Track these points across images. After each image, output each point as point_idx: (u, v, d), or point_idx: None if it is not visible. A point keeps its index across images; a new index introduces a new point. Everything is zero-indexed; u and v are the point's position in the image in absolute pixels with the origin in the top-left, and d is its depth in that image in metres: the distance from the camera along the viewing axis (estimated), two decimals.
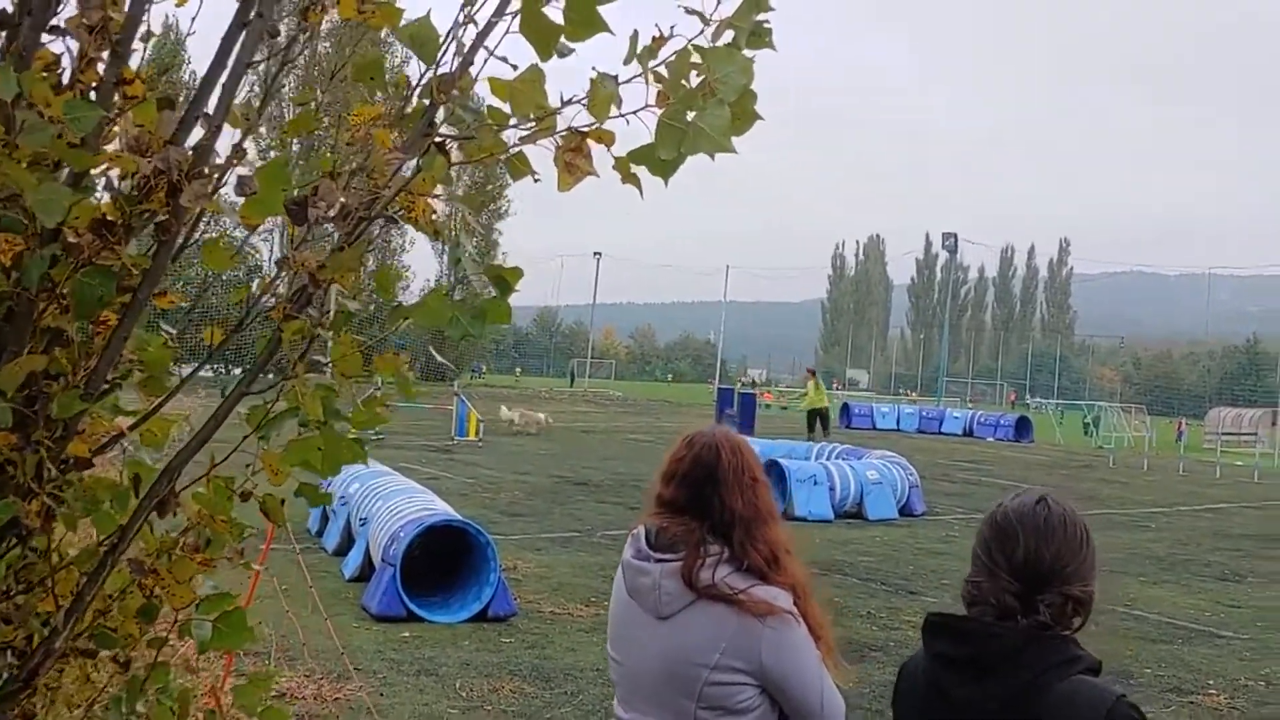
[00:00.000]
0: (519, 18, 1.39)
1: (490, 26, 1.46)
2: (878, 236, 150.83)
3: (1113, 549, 14.01)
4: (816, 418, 28.86)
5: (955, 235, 52.88)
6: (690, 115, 1.47)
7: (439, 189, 1.51)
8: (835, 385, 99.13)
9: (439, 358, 21.15)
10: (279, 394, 1.58)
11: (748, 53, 1.64)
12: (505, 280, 1.47)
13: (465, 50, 1.46)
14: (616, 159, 1.46)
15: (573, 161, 1.41)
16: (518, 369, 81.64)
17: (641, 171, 1.49)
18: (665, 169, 1.48)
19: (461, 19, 1.44)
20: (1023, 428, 38.98)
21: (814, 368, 37.99)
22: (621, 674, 2.52)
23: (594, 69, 1.46)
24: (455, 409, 23.58)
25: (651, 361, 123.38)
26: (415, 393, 1.59)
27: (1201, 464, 30.90)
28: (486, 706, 6.51)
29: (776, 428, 31.90)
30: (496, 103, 1.47)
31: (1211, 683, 7.91)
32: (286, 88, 45.19)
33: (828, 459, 17.26)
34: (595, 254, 70.70)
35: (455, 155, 1.48)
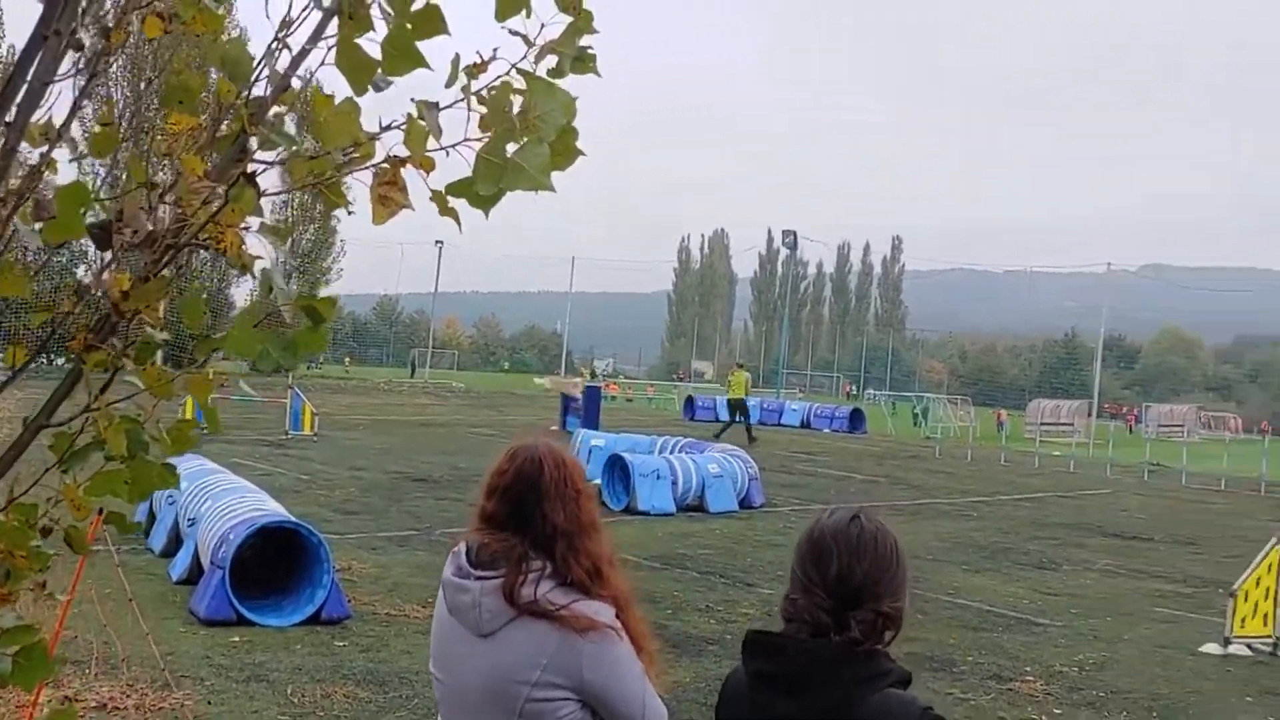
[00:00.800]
0: (334, 49, 1.37)
1: (305, 52, 1.43)
2: (722, 230, 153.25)
3: (938, 538, 14.59)
4: (736, 409, 30.30)
5: (795, 232, 54.07)
6: (510, 150, 1.47)
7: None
8: (680, 376, 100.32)
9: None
10: (83, 425, 1.52)
11: (570, 80, 1.65)
12: (318, 311, 1.44)
13: (279, 76, 1.42)
14: (434, 192, 1.44)
15: (387, 195, 1.39)
16: (347, 358, 79.37)
17: (462, 204, 1.48)
18: (485, 203, 1.47)
19: (275, 45, 1.41)
20: (856, 419, 40.19)
21: (741, 361, 38.85)
22: (444, 692, 2.51)
23: (412, 99, 1.44)
24: (289, 402, 22.97)
25: (496, 352, 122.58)
26: (223, 429, 1.55)
27: (1022, 454, 32.37)
28: (319, 713, 6.38)
29: (622, 420, 32.13)
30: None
31: (1028, 669, 8.30)
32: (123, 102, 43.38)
33: (670, 453, 17.47)
34: (437, 242, 69.72)
35: (279, 183, 1.44)
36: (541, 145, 1.48)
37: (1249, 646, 9.17)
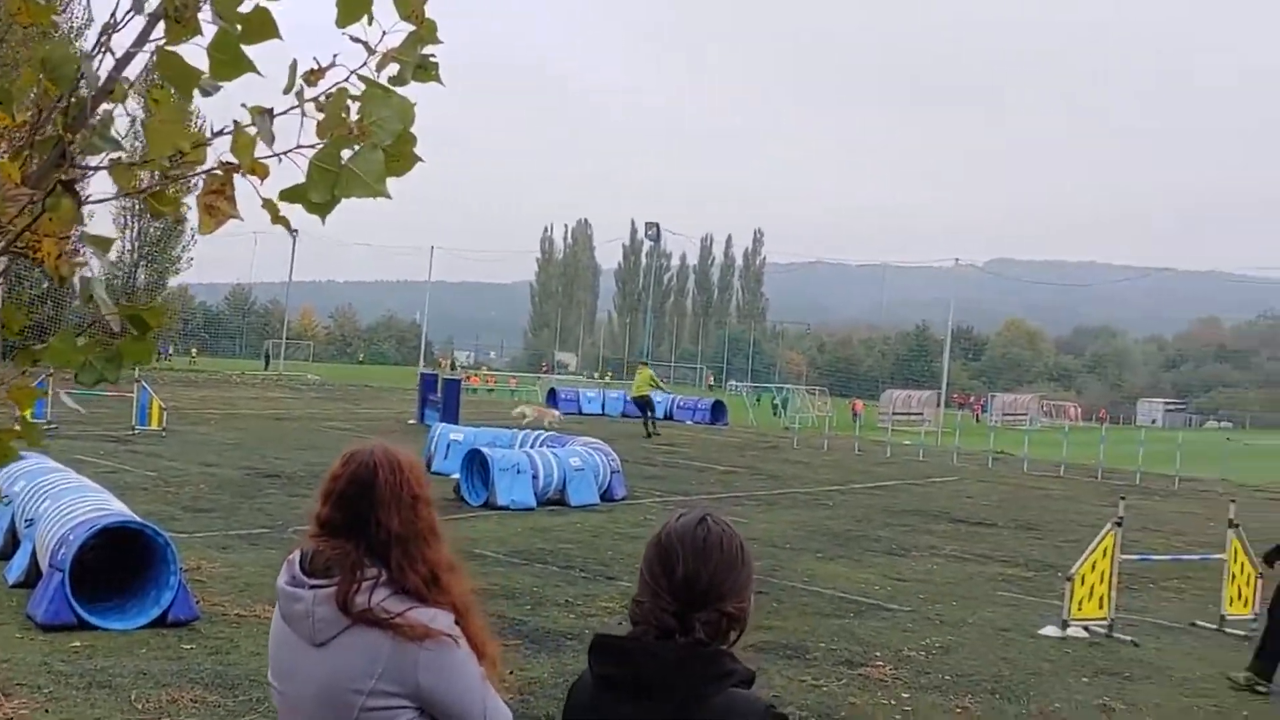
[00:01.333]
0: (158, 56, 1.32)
1: (130, 56, 1.38)
2: (585, 221, 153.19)
3: (794, 527, 14.90)
4: (643, 406, 31.09)
5: (658, 225, 54.46)
6: (345, 156, 1.44)
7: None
8: (544, 368, 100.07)
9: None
10: None
11: (412, 88, 1.63)
12: (144, 320, 1.40)
13: (102, 80, 1.37)
14: (265, 200, 1.41)
15: (214, 204, 1.36)
16: (193, 349, 76.36)
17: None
18: (320, 210, 1.44)
19: (98, 48, 1.36)
20: (718, 411, 40.70)
21: (645, 360, 38.96)
22: (281, 702, 2.47)
23: (243, 104, 1.40)
24: (136, 395, 22.13)
25: (353, 343, 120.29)
26: (44, 443, 1.49)
27: (875, 443, 33.26)
28: (165, 718, 6.18)
29: (483, 414, 31.88)
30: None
31: (878, 654, 8.54)
32: None
33: (531, 447, 17.42)
34: (292, 230, 67.91)
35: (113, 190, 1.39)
36: (376, 152, 1.46)
37: (1085, 628, 9.61)
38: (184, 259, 55.21)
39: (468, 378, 50.37)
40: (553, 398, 42.03)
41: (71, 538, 7.77)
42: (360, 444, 2.49)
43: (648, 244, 63.10)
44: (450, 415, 25.15)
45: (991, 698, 7.65)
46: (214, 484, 15.09)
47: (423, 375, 33.17)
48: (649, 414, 30.97)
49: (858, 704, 7.27)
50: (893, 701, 7.39)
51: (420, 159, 1.53)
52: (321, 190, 1.41)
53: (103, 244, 1.37)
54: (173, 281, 57.41)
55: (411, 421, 29.06)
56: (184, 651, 7.40)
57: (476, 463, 15.19)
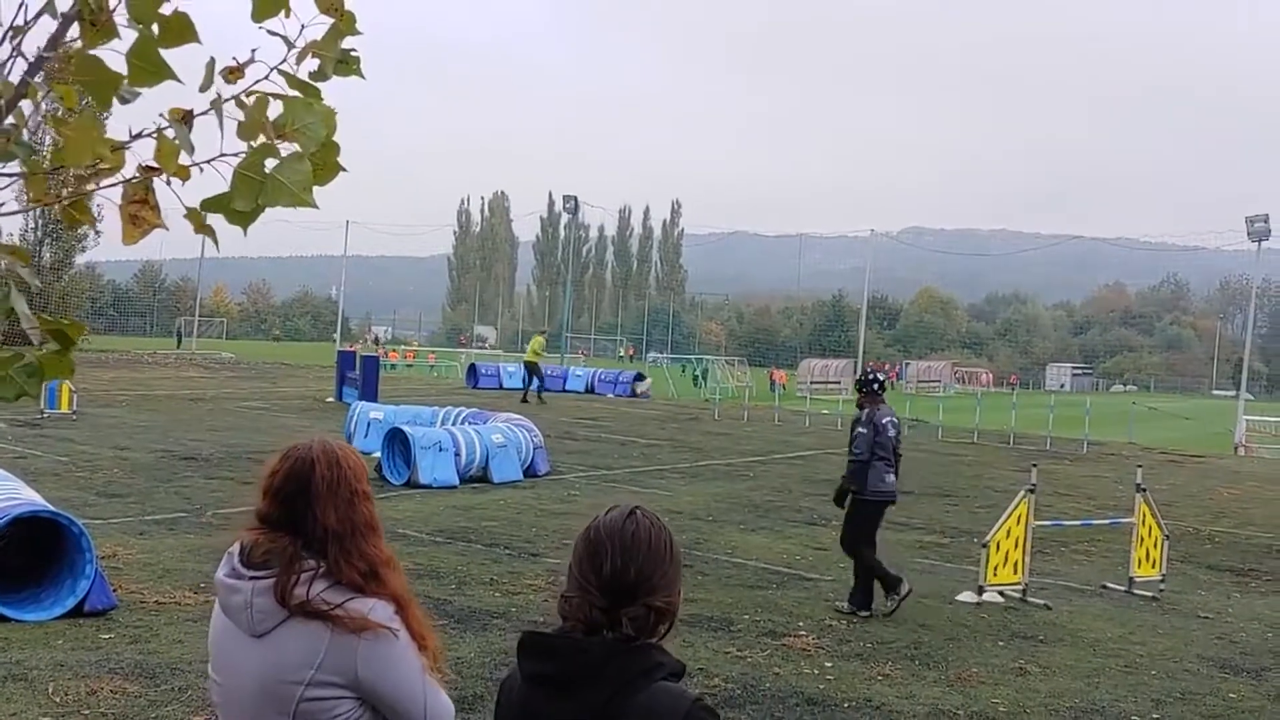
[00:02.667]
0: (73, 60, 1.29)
1: (41, 61, 1.34)
2: (502, 193, 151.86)
3: (716, 499, 15.04)
4: (530, 371, 32.18)
5: (576, 197, 54.18)
6: (269, 165, 1.42)
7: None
8: (462, 341, 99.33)
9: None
10: None
11: (333, 81, 1.61)
12: (65, 333, 1.37)
13: (10, 87, 1.33)
14: (189, 209, 1.39)
15: (138, 214, 1.33)
16: (87, 328, 74.33)
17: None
18: (243, 219, 1.42)
19: (11, 53, 1.31)
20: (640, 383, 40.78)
21: (545, 329, 39.94)
22: (220, 694, 2.48)
23: (161, 115, 1.37)
24: None
25: (267, 320, 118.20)
26: None
27: (794, 413, 33.63)
28: (84, 711, 6.06)
29: (402, 391, 31.59)
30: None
31: (801, 624, 8.68)
32: None
33: (453, 424, 17.30)
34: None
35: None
36: (302, 160, 1.44)
37: (1000, 594, 9.86)
38: (90, 236, 53.64)
39: (386, 354, 49.81)
40: (473, 374, 41.76)
41: None
42: (301, 440, 2.52)
43: (566, 216, 62.74)
44: (369, 393, 24.87)
45: (911, 664, 7.82)
46: (128, 468, 14.77)
47: (340, 353, 32.68)
48: (535, 380, 31.93)
49: (781, 674, 7.39)
50: (816, 671, 7.52)
51: (343, 168, 1.51)
52: (246, 199, 1.39)
53: (21, 255, 1.33)
54: (80, 259, 55.76)
55: (330, 400, 28.68)
56: (102, 641, 7.26)
57: (398, 441, 15.06)
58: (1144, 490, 10.82)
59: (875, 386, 9.90)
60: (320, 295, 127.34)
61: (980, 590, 9.80)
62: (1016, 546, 9.96)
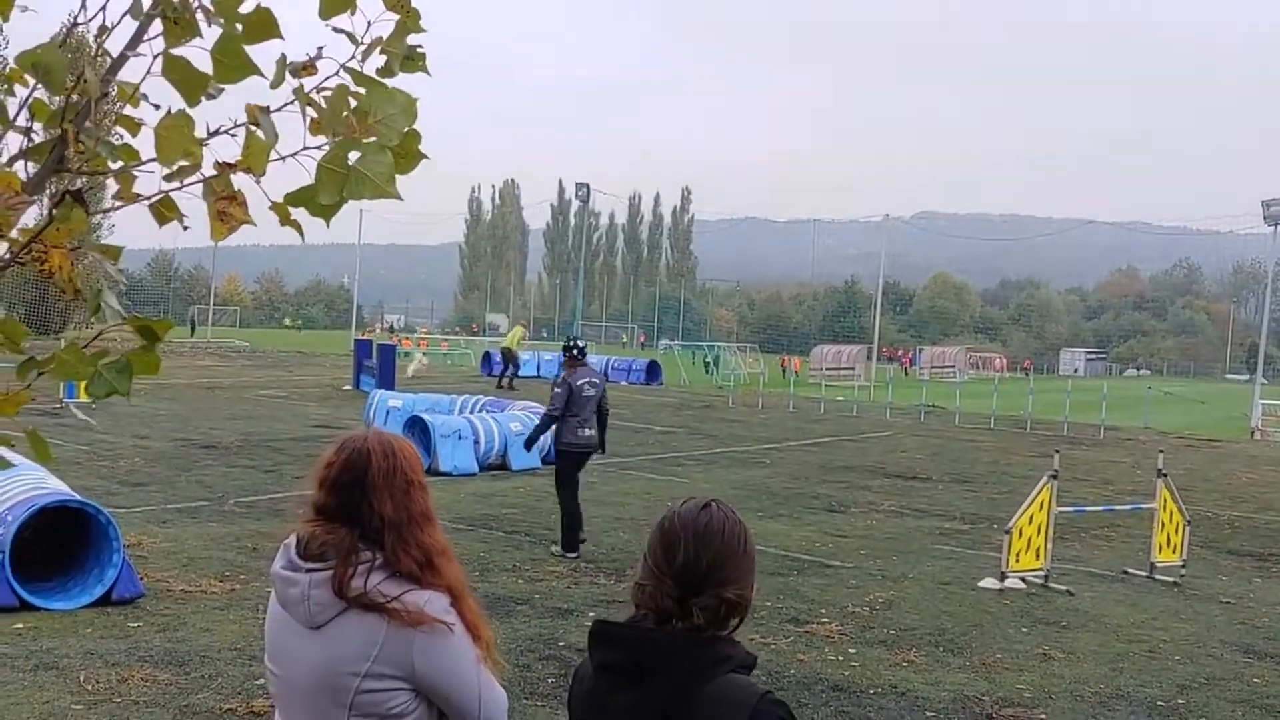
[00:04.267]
0: (161, 59, 1.30)
1: (123, 59, 1.35)
2: (513, 181, 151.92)
3: (733, 486, 15.05)
4: (506, 359, 32.55)
5: (588, 185, 54.21)
6: (352, 158, 1.43)
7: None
8: (474, 329, 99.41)
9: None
10: None
11: (403, 79, 1.61)
12: (153, 330, 1.38)
13: (98, 82, 1.34)
14: (274, 203, 1.40)
15: (226, 210, 1.34)
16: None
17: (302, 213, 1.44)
18: (327, 213, 1.43)
19: (93, 49, 1.33)
20: (653, 371, 40.77)
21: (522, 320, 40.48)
22: (278, 686, 2.50)
23: (245, 106, 1.38)
24: None
25: (280, 308, 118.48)
26: (52, 457, 1.47)
27: (808, 399, 33.62)
28: (115, 699, 6.11)
29: (419, 381, 31.65)
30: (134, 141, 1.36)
31: (823, 611, 8.69)
32: None
33: (471, 412, 17.34)
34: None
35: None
36: (384, 153, 1.45)
37: (1022, 579, 9.86)
38: (104, 225, 53.75)
39: (400, 341, 49.86)
40: (487, 361, 41.80)
41: (10, 518, 7.61)
42: (355, 432, 2.53)
43: (577, 204, 62.63)
44: (386, 381, 24.92)
45: (935, 650, 7.84)
46: (149, 457, 14.84)
47: (357, 341, 32.75)
48: (510, 368, 32.33)
49: (805, 660, 7.41)
50: (840, 657, 7.54)
51: (426, 156, 1.52)
52: (330, 193, 1.40)
53: (111, 253, 1.35)
54: None
55: (347, 388, 28.76)
56: (131, 630, 7.31)
57: (417, 429, 15.11)
58: (1165, 475, 10.80)
59: (575, 352, 11.02)
60: (333, 284, 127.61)
61: (1003, 576, 9.80)
62: (1039, 533, 9.96)
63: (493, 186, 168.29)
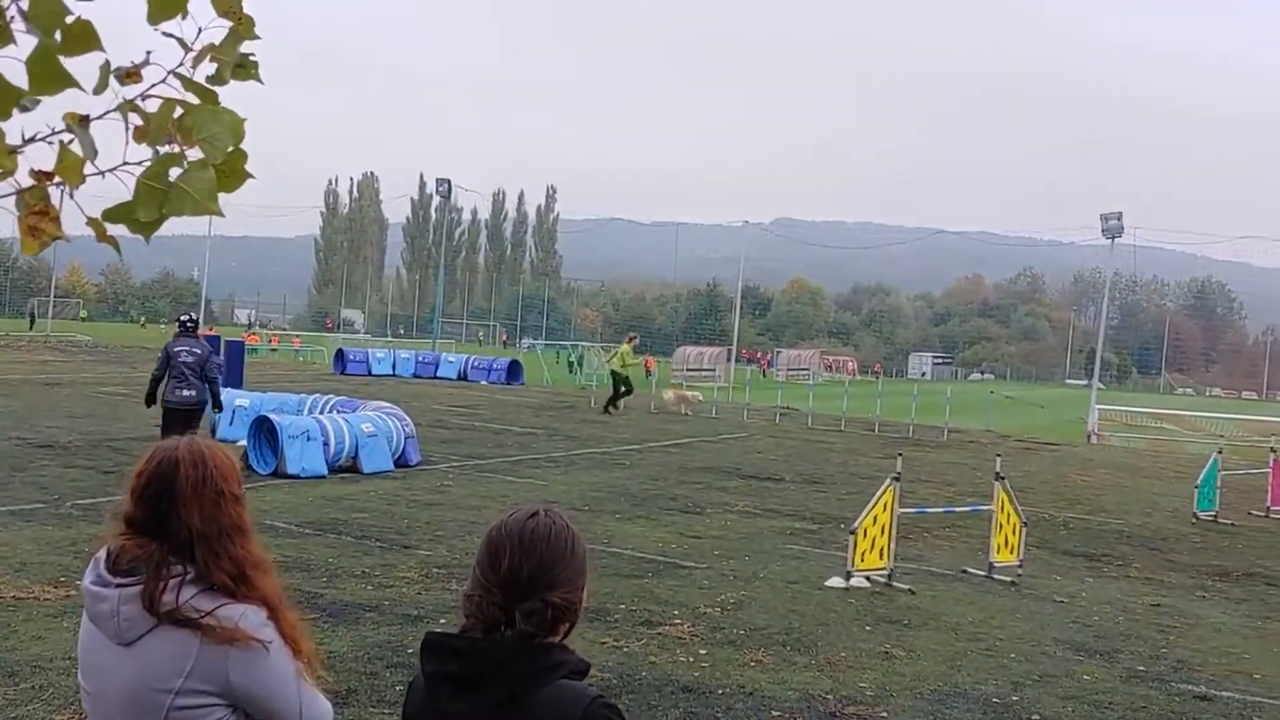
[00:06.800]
0: None
1: None
2: (372, 174, 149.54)
3: (592, 488, 15.10)
4: (619, 382, 29.29)
5: (449, 180, 53.47)
6: (174, 174, 1.41)
7: None
8: (329, 325, 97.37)
9: None
10: None
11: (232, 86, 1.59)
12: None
13: None
14: (90, 219, 1.36)
15: (38, 225, 1.30)
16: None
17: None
18: (146, 229, 1.40)
19: None
20: (514, 371, 40.58)
21: (632, 335, 36.39)
22: (90, 703, 2.44)
23: (46, 124, 1.34)
24: None
25: (126, 301, 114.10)
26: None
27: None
28: None
29: (268, 378, 30.87)
30: None
31: (676, 613, 8.79)
32: None
33: (321, 412, 16.99)
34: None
35: None
36: (207, 169, 1.43)
37: (867, 579, 10.15)
38: None
39: (247, 337, 48.53)
40: (340, 359, 41.02)
41: None
42: (169, 440, 2.47)
43: (438, 199, 61.79)
44: (234, 379, 24.21)
45: (783, 650, 8.00)
46: None
47: (205, 337, 31.71)
48: (621, 389, 29.33)
49: (657, 663, 7.48)
50: (690, 659, 7.64)
51: (251, 175, 1.50)
52: (149, 209, 1.37)
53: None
54: None
55: None
56: None
57: (264, 430, 14.73)
58: (1003, 479, 11.25)
59: (180, 327, 13.50)
60: (181, 276, 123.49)
61: (848, 576, 10.07)
62: (883, 533, 10.26)
63: (351, 179, 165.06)
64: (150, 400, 13.25)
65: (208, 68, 1.55)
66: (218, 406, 13.71)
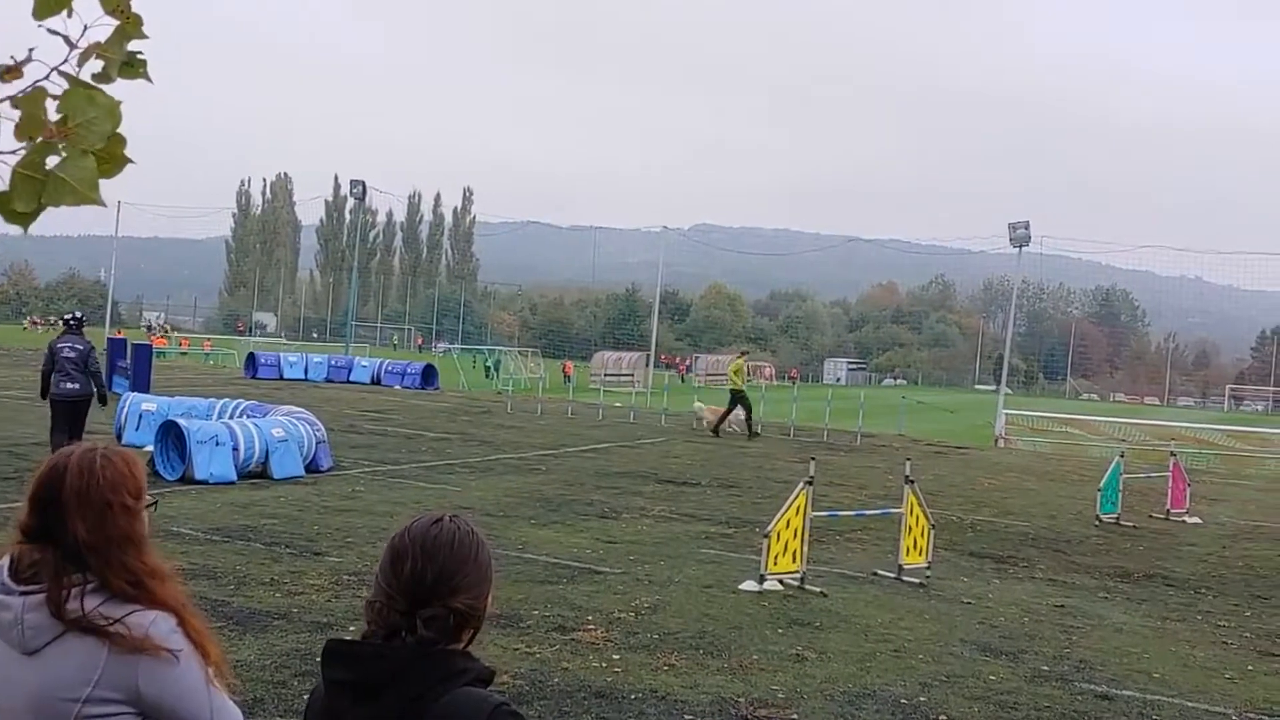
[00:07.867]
0: None
1: None
2: (285, 175, 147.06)
3: (507, 493, 15.01)
4: (743, 402, 27.66)
5: (364, 182, 52.95)
6: (51, 163, 1.35)
7: None
8: (240, 328, 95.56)
9: None
10: None
11: (120, 85, 1.54)
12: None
13: None
14: None
15: None
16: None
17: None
18: (23, 220, 1.35)
19: None
20: (429, 375, 40.24)
21: (745, 349, 34.73)
22: None
23: None
24: None
25: (29, 303, 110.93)
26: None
27: (588, 405, 33.88)
28: None
29: (177, 382, 30.21)
30: None
31: (590, 618, 8.76)
32: None
33: (231, 417, 16.66)
34: None
35: None
36: (85, 157, 1.38)
37: (780, 582, 10.22)
38: None
39: (153, 339, 47.46)
40: (252, 363, 40.32)
41: None
42: (69, 446, 2.41)
43: (352, 201, 61.04)
44: (141, 383, 23.67)
45: (696, 653, 8.02)
46: None
47: (110, 340, 30.97)
48: (740, 409, 27.68)
49: (570, 668, 7.45)
50: (604, 664, 7.62)
51: (131, 160, 1.46)
52: (27, 199, 1.32)
53: None
54: None
55: None
56: None
57: (172, 434, 14.40)
58: (913, 482, 11.42)
59: (64, 325, 14.15)
60: (88, 278, 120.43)
61: (762, 579, 10.13)
62: (795, 536, 10.35)
63: (264, 180, 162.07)
64: (45, 394, 13.69)
65: (94, 65, 1.50)
66: (103, 400, 13.99)
